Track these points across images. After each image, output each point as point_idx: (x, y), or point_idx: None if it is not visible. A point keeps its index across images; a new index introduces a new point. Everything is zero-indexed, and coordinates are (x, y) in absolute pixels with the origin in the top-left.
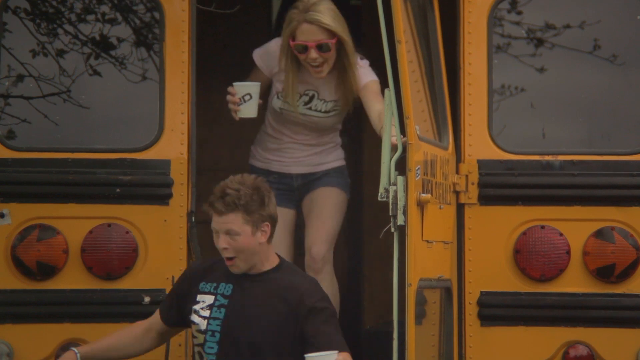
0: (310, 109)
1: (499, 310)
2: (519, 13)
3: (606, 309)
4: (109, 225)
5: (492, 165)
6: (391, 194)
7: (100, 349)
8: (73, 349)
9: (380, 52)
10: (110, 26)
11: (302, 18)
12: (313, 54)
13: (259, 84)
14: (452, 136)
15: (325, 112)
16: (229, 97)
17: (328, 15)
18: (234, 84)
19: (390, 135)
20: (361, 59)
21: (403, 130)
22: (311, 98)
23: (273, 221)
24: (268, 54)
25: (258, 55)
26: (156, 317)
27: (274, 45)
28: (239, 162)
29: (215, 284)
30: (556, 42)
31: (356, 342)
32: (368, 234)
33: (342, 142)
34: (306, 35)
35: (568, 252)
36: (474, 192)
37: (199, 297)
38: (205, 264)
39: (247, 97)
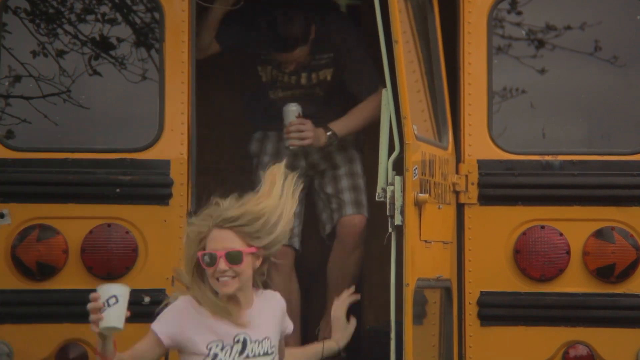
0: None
1: (499, 310)
2: (519, 13)
3: (606, 309)
4: (109, 225)
5: (492, 165)
6: (388, 194)
7: None
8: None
9: (379, 52)
10: (110, 26)
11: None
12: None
13: (128, 288)
14: (452, 136)
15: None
16: (89, 305)
17: None
18: (98, 287)
19: (387, 135)
20: None
21: (400, 130)
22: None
23: None
24: None
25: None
26: None
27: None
28: (239, 162)
29: None
30: (556, 42)
31: (356, 342)
32: (368, 234)
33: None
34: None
35: (568, 252)
36: (473, 192)
37: None
38: None
39: (112, 301)
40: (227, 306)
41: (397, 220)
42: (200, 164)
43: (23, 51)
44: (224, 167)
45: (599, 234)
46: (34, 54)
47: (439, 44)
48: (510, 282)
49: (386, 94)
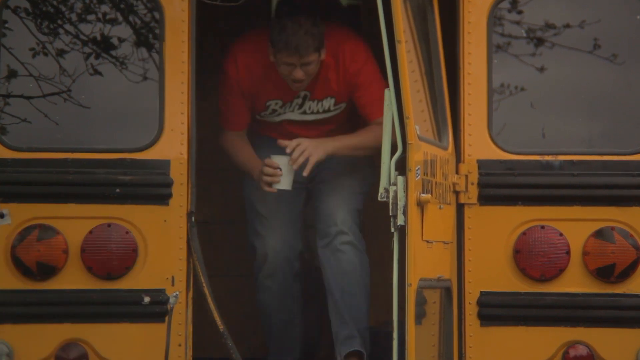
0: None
1: (498, 310)
2: (519, 12)
3: (606, 309)
4: (109, 225)
5: (492, 165)
6: (391, 194)
7: None
8: None
9: (380, 52)
10: (111, 26)
11: None
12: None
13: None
14: (452, 136)
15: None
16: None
17: None
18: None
19: (390, 135)
20: None
21: (403, 130)
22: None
23: None
24: None
25: None
26: None
27: None
28: None
29: None
30: (556, 41)
31: None
32: (368, 234)
33: None
34: None
35: (568, 252)
36: (473, 192)
37: None
38: None
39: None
40: None
41: (400, 221)
42: (200, 164)
43: (23, 50)
44: (224, 167)
45: (599, 234)
46: (34, 53)
47: (439, 43)
48: (510, 282)
49: (389, 93)
